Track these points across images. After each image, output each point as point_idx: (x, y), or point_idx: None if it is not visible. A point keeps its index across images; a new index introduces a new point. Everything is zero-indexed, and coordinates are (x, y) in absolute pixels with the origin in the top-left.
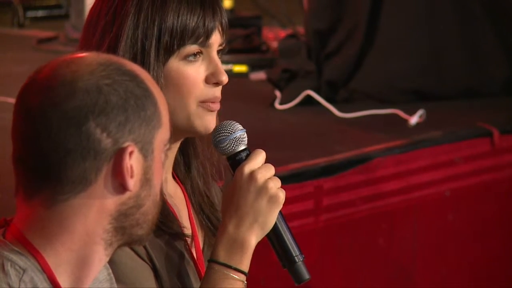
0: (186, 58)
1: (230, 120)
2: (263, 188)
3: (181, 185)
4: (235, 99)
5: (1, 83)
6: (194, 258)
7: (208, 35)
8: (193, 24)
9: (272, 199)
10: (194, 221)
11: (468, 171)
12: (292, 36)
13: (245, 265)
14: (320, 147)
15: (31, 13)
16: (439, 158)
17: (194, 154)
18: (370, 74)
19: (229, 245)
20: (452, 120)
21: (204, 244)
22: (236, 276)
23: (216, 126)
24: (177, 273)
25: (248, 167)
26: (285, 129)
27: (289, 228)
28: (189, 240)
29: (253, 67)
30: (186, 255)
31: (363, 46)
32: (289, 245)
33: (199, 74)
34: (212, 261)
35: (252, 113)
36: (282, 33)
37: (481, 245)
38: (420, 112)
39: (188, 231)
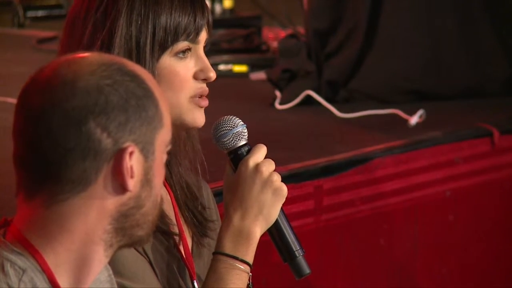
0: (176, 55)
1: (230, 115)
2: (268, 180)
3: (166, 184)
4: (235, 99)
5: (1, 83)
6: (183, 257)
7: (198, 32)
8: (186, 21)
9: (277, 191)
10: (181, 221)
11: (468, 171)
12: (292, 36)
13: (250, 257)
14: (320, 147)
15: (31, 13)
16: (439, 158)
17: (174, 150)
18: (370, 74)
19: (234, 236)
20: (452, 120)
21: (192, 243)
22: (242, 267)
23: (216, 121)
24: (168, 270)
25: (252, 160)
26: (285, 129)
27: (289, 223)
28: (177, 238)
29: (253, 67)
30: (176, 254)
31: (363, 46)
32: (289, 239)
33: (189, 71)
34: (218, 252)
35: (252, 113)
36: (282, 33)
37: (482, 245)
38: (420, 112)
39: (175, 230)
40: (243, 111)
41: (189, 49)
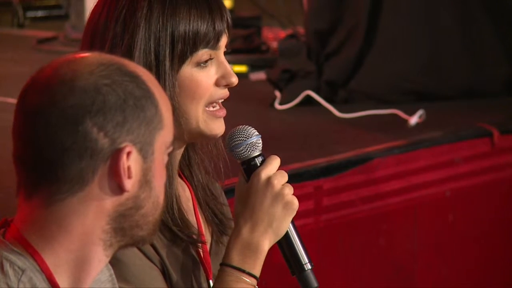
0: (198, 64)
1: (245, 125)
2: (280, 194)
3: (187, 182)
4: (235, 99)
5: (1, 83)
6: (202, 258)
7: (218, 38)
8: (204, 29)
9: (287, 205)
10: (201, 219)
11: (468, 171)
12: (292, 36)
13: (257, 270)
14: (320, 147)
15: (31, 13)
16: (439, 159)
17: (193, 149)
18: (370, 74)
19: (243, 249)
20: (452, 120)
21: (212, 240)
22: (249, 280)
23: (231, 131)
24: (186, 273)
25: (265, 173)
26: (285, 130)
27: (299, 236)
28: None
29: (253, 67)
30: (195, 255)
31: (363, 46)
32: (299, 252)
33: (210, 78)
34: (225, 264)
35: (252, 113)
36: (282, 33)
37: (481, 245)
38: (420, 112)
39: (195, 230)
40: (243, 111)
41: (211, 58)
